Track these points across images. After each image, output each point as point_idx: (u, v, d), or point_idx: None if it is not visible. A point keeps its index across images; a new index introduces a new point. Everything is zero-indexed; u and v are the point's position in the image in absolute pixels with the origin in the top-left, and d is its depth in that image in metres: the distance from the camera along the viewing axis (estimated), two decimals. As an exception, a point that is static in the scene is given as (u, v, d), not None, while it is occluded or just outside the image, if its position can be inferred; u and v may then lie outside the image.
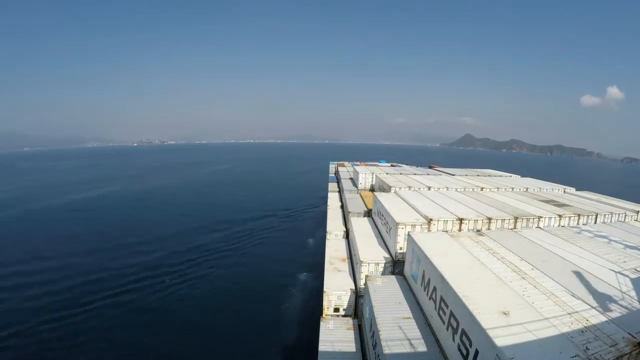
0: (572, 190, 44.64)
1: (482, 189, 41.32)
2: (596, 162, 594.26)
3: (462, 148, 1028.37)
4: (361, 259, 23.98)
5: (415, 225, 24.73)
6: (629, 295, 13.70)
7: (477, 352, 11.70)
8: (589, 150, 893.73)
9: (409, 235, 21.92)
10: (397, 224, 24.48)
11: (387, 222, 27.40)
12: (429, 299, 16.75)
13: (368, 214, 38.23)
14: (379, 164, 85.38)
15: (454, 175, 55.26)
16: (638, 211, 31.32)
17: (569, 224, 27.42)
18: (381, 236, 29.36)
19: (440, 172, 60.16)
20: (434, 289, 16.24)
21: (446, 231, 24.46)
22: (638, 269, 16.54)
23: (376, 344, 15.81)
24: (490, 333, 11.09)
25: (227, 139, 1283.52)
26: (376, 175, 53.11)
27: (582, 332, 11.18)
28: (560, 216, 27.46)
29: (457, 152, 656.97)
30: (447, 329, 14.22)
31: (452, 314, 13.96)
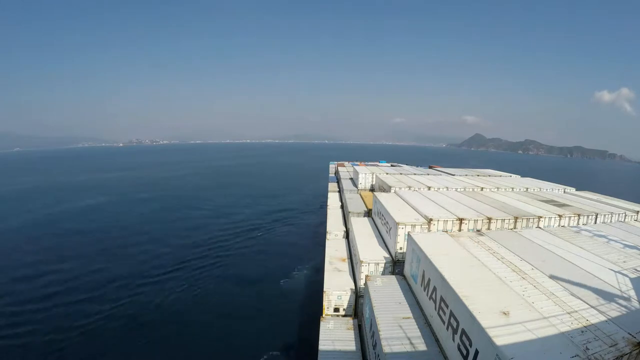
0: (572, 190, 44.67)
1: (482, 189, 41.33)
2: (621, 166, 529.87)
3: (473, 149, 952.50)
4: (361, 259, 23.98)
5: (415, 225, 24.74)
6: (629, 295, 13.71)
7: (477, 352, 11.70)
8: (610, 152, 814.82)
9: (409, 235, 21.93)
10: (397, 224, 24.49)
11: (387, 222, 27.40)
12: (429, 299, 16.75)
13: (368, 214, 38.23)
14: (379, 164, 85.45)
15: (454, 175, 55.29)
16: (638, 211, 31.36)
17: (569, 224, 27.44)
18: (381, 236, 29.36)
19: (440, 172, 60.18)
20: (434, 289, 16.24)
21: (446, 231, 24.47)
22: (638, 269, 16.55)
23: (376, 344, 15.81)
24: (490, 333, 11.09)
25: (223, 139, 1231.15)
26: (376, 175, 53.14)
27: (582, 332, 11.19)
28: (560, 216, 27.46)
29: (473, 154, 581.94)
30: (447, 328, 14.23)
31: (452, 314, 13.96)
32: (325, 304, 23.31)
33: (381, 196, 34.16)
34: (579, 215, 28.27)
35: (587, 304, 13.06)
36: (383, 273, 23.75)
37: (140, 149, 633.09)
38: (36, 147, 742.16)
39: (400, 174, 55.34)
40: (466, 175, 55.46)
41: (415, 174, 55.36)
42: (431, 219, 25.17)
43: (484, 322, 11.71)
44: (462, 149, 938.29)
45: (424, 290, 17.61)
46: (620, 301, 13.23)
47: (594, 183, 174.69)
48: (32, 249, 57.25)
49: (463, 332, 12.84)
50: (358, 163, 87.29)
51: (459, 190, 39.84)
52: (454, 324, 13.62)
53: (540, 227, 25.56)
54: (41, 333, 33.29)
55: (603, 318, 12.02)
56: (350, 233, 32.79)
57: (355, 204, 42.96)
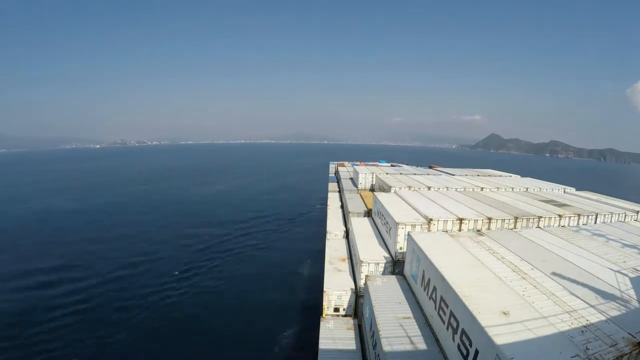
0: (572, 190, 44.66)
1: (482, 189, 41.32)
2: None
3: (492, 151, 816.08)
4: (361, 259, 24.00)
5: (415, 225, 24.74)
6: (629, 295, 13.72)
7: (477, 352, 11.71)
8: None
9: (409, 235, 21.93)
10: (397, 223, 24.50)
11: (387, 222, 27.41)
12: (429, 298, 16.76)
13: (368, 214, 38.23)
14: (379, 163, 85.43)
15: (454, 175, 55.28)
16: (638, 211, 31.36)
17: (569, 224, 27.44)
18: (381, 236, 29.37)
19: (440, 172, 60.16)
20: (434, 288, 16.25)
21: (446, 231, 24.47)
22: (637, 269, 16.55)
23: (376, 344, 15.82)
24: (490, 332, 11.10)
25: (217, 140, 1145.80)
26: (376, 175, 53.13)
27: (582, 331, 11.19)
28: (560, 216, 27.46)
29: (496, 157, 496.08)
30: (447, 328, 14.23)
31: (452, 314, 13.97)
32: (325, 303, 23.32)
33: (381, 196, 34.16)
34: (579, 215, 28.26)
35: (587, 303, 13.06)
36: (383, 273, 23.76)
37: (113, 151, 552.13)
38: (24, 148, 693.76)
39: (400, 174, 55.31)
40: (466, 175, 55.43)
41: (415, 174, 55.32)
42: (431, 219, 25.17)
43: (484, 321, 11.71)
44: (478, 151, 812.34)
45: (424, 290, 17.61)
46: (620, 301, 13.23)
47: None
48: None
49: (463, 331, 12.85)
50: (358, 163, 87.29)
51: (459, 190, 39.83)
52: (454, 324, 13.62)
53: (540, 227, 25.55)
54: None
55: (603, 318, 12.03)
56: (350, 233, 32.80)
57: (355, 204, 42.97)
